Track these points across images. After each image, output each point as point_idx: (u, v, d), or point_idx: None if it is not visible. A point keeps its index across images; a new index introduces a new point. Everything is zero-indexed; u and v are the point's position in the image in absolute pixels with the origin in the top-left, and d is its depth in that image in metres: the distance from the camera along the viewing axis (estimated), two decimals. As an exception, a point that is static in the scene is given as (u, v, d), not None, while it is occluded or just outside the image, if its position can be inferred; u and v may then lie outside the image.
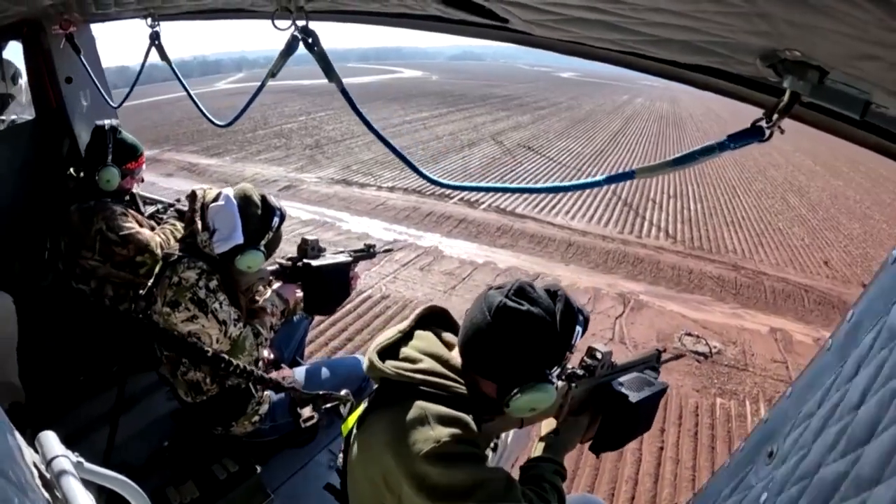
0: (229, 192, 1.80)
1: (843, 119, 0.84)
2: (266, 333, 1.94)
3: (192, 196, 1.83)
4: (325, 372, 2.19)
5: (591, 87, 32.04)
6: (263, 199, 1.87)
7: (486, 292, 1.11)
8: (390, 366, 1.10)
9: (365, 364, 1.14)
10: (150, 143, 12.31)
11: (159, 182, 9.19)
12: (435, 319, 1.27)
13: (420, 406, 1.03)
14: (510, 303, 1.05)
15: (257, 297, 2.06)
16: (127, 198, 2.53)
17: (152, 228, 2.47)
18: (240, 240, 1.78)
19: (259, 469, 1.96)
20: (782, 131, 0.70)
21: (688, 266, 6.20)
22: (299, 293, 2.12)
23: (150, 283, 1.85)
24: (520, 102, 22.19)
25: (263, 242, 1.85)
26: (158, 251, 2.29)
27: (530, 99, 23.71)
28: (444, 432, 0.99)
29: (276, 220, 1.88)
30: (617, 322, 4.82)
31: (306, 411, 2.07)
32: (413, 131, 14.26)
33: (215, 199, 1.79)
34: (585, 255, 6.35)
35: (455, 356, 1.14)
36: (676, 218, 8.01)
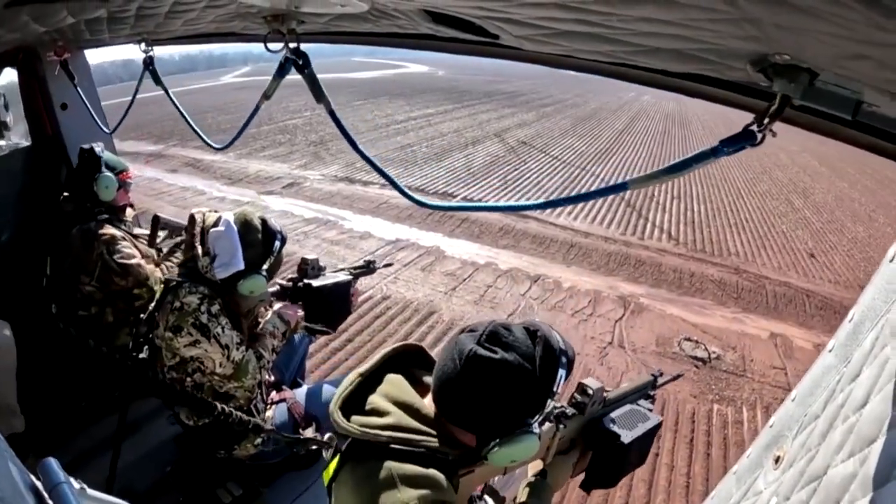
0: (229, 217, 1.81)
1: (835, 120, 0.85)
2: (268, 356, 1.94)
3: (191, 220, 1.84)
4: (326, 393, 2.19)
5: (596, 84, 31.77)
6: (264, 223, 1.88)
7: (458, 336, 1.02)
8: (356, 423, 1.01)
9: (330, 418, 1.05)
10: (155, 138, 12.39)
11: (164, 178, 9.24)
12: (410, 358, 1.17)
13: (388, 467, 0.95)
14: (481, 351, 0.96)
15: (259, 320, 2.07)
16: (130, 220, 2.53)
17: (156, 259, 2.45)
18: (240, 266, 1.78)
19: (263, 492, 1.97)
20: (774, 134, 0.70)
21: (689, 269, 6.19)
22: (300, 313, 2.12)
23: (151, 308, 1.85)
24: (525, 99, 22.12)
25: (265, 267, 1.85)
26: (157, 287, 2.31)
27: (536, 96, 23.61)
28: (412, 495, 0.92)
29: (277, 243, 1.88)
30: (617, 325, 4.82)
31: (309, 433, 2.06)
32: (418, 128, 14.25)
33: (215, 224, 1.78)
34: (587, 256, 6.35)
35: (428, 403, 1.05)
36: (679, 220, 7.99)
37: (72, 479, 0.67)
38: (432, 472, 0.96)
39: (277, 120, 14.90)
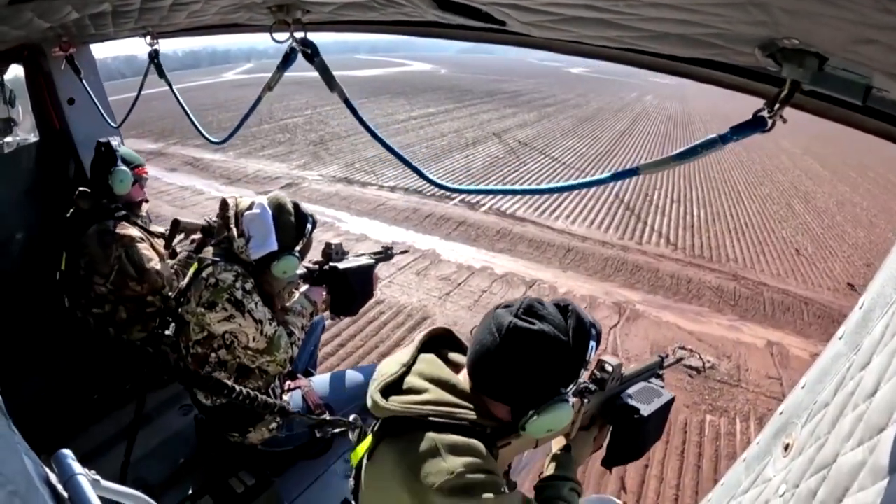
0: (263, 200, 1.89)
1: (845, 105, 0.85)
2: (298, 333, 2.01)
3: (224, 204, 1.92)
4: (339, 382, 2.25)
5: (600, 84, 31.75)
6: (296, 206, 1.96)
7: (494, 311, 1.08)
8: (396, 402, 1.05)
9: (369, 402, 1.09)
10: (156, 136, 12.38)
11: (163, 177, 9.21)
12: (438, 340, 1.23)
13: (430, 437, 0.99)
14: (521, 322, 1.01)
15: (286, 303, 2.14)
16: (144, 214, 2.52)
17: (174, 266, 2.46)
18: (274, 246, 1.86)
19: (275, 481, 2.01)
20: (784, 121, 0.70)
21: (687, 275, 6.15)
22: (325, 295, 2.21)
23: (183, 284, 1.92)
24: (527, 99, 22.04)
25: (298, 248, 1.93)
26: (171, 295, 2.32)
27: (538, 95, 23.54)
28: (457, 462, 0.95)
29: (308, 226, 1.97)
30: (611, 332, 4.79)
31: (317, 419, 2.13)
32: (418, 128, 14.21)
33: (250, 208, 1.87)
34: (584, 261, 6.32)
35: (462, 379, 1.10)
36: (679, 224, 7.94)
37: (86, 471, 0.70)
38: (473, 441, 1.00)
39: (278, 118, 14.88)
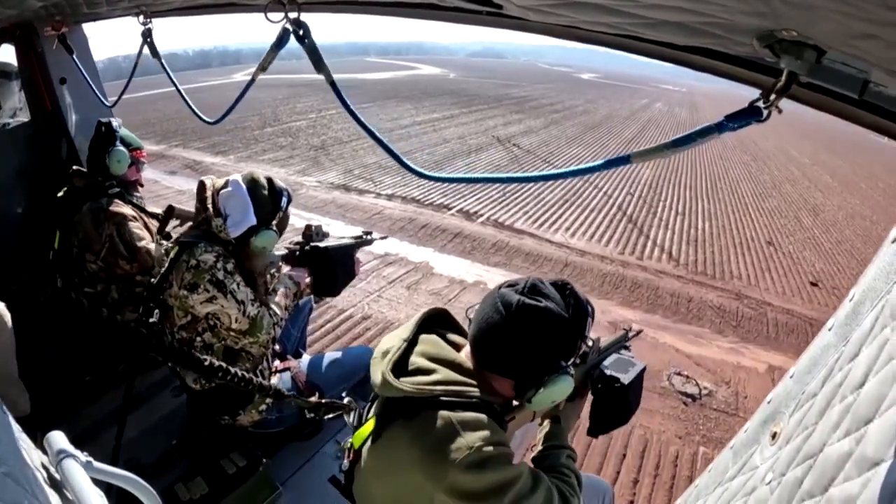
0: (237, 177, 1.89)
1: (842, 98, 0.86)
2: (281, 313, 2.01)
3: (202, 186, 1.91)
4: (329, 363, 2.25)
5: (609, 90, 31.55)
6: (269, 181, 1.95)
7: (499, 290, 1.13)
8: (407, 383, 1.08)
9: (377, 380, 1.11)
10: (159, 137, 12.37)
11: (162, 181, 9.18)
12: (435, 320, 1.28)
13: (444, 416, 1.02)
14: (528, 300, 1.07)
15: (269, 285, 2.14)
16: (138, 193, 2.52)
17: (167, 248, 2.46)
18: (253, 221, 1.85)
19: (267, 462, 2.01)
20: (780, 111, 0.71)
21: (688, 293, 5.95)
22: (307, 279, 2.21)
23: (164, 270, 1.90)
24: (535, 105, 21.87)
25: (275, 222, 1.93)
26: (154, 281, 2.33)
27: (546, 101, 23.36)
28: (474, 437, 1.00)
29: (284, 199, 1.97)
30: (605, 354, 4.62)
31: (312, 401, 2.14)
32: (422, 133, 14.09)
33: (224, 186, 1.87)
34: (581, 276, 6.14)
35: (465, 358, 1.15)
36: (682, 238, 7.74)
37: (78, 452, 0.71)
38: (482, 415, 1.05)
39: (282, 121, 14.79)
